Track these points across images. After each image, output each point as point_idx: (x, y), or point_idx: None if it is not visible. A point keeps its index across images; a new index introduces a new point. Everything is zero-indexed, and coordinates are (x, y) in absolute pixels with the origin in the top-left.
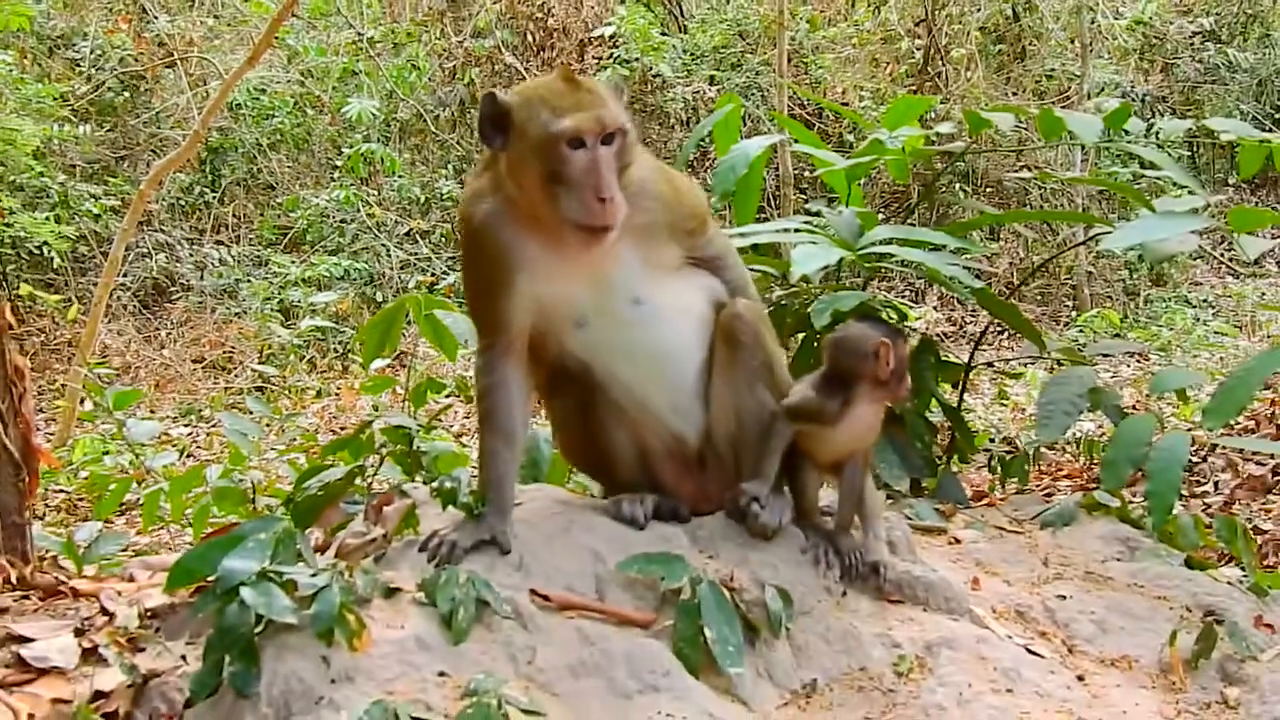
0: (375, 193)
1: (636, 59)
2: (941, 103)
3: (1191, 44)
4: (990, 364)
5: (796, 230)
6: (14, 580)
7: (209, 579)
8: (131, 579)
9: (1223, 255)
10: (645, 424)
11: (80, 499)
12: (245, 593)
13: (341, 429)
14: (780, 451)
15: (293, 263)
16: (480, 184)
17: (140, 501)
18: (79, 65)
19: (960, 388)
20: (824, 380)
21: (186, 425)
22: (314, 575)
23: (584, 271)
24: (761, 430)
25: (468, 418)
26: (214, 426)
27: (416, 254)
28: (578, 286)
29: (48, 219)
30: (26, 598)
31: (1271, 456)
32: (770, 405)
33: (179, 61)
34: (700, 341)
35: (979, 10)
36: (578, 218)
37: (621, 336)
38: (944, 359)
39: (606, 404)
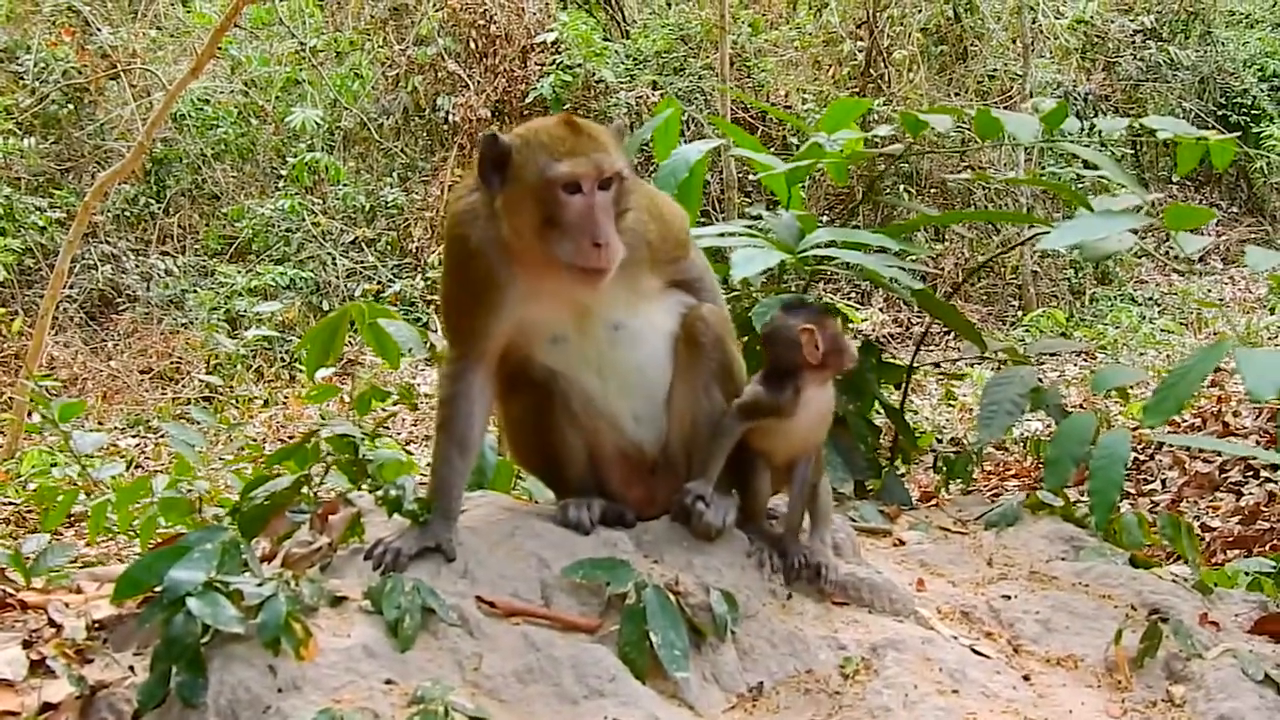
0: (320, 201)
1: (579, 65)
2: (885, 104)
3: (1133, 42)
4: (936, 364)
5: (737, 234)
6: None
7: (156, 589)
8: (79, 590)
9: (1167, 253)
10: (601, 430)
11: (28, 511)
12: (191, 603)
13: (289, 438)
14: (726, 451)
15: (239, 272)
16: (471, 204)
17: (88, 513)
18: (22, 78)
19: (904, 388)
20: (769, 375)
21: (134, 436)
22: (260, 585)
23: (569, 300)
24: (710, 433)
25: (415, 425)
26: (161, 437)
27: (362, 262)
28: (560, 312)
29: None
30: None
31: (1218, 454)
32: (723, 407)
33: (122, 73)
34: (670, 358)
35: (920, 11)
36: (571, 259)
37: (596, 354)
38: (887, 361)
39: (563, 408)
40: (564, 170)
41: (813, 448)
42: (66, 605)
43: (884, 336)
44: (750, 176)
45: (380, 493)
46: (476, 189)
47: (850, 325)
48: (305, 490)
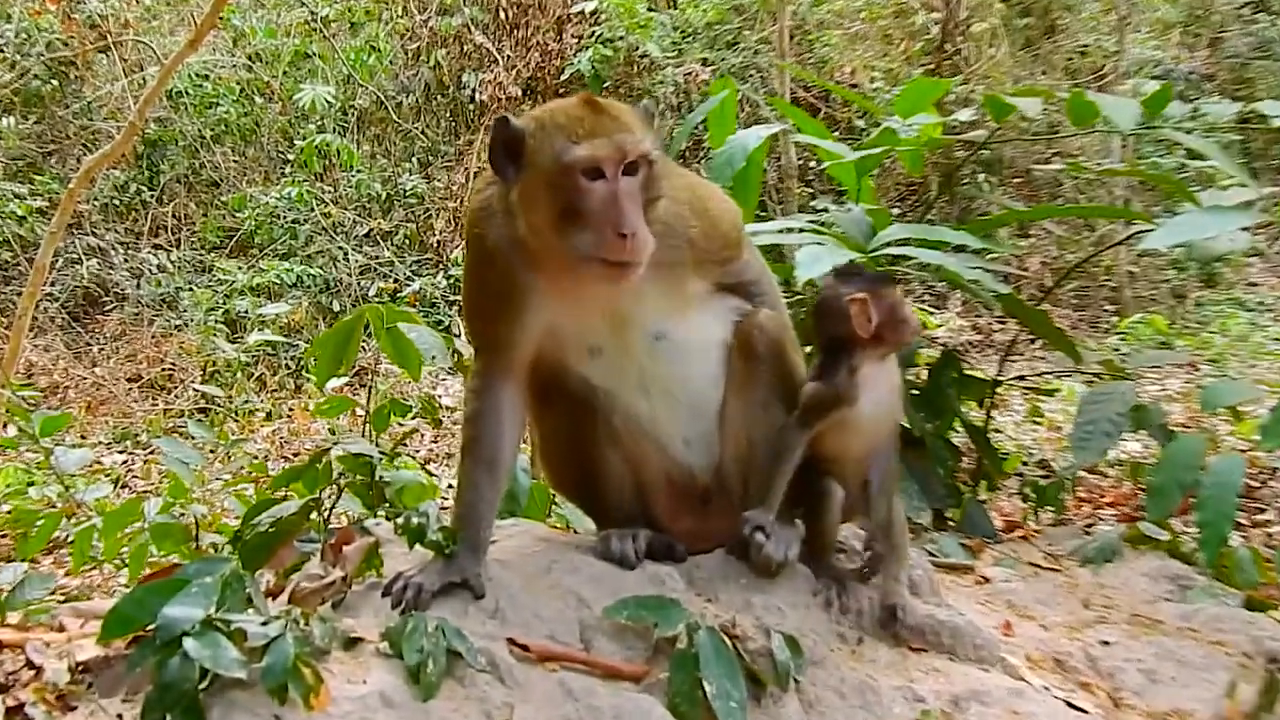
0: (331, 190)
1: (621, 38)
2: (962, 84)
3: (1240, 15)
4: (1021, 378)
5: (800, 230)
6: None
7: (148, 628)
8: (61, 628)
9: None
10: (647, 455)
11: (1, 536)
12: (188, 644)
13: (294, 456)
14: (789, 471)
15: (239, 269)
16: (489, 199)
17: (70, 539)
18: (2, 51)
19: (987, 405)
20: (824, 359)
21: (121, 452)
22: (265, 624)
23: (601, 305)
24: (769, 453)
25: (435, 442)
26: (152, 453)
27: (378, 258)
28: (594, 319)
29: None
30: None
31: None
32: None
33: (112, 46)
34: (723, 372)
35: None
36: (594, 253)
37: (637, 369)
38: (968, 373)
39: (605, 430)
40: (583, 153)
41: (883, 444)
42: (46, 645)
43: (963, 345)
44: (812, 165)
45: (400, 520)
46: (493, 182)
47: (926, 333)
48: (315, 516)
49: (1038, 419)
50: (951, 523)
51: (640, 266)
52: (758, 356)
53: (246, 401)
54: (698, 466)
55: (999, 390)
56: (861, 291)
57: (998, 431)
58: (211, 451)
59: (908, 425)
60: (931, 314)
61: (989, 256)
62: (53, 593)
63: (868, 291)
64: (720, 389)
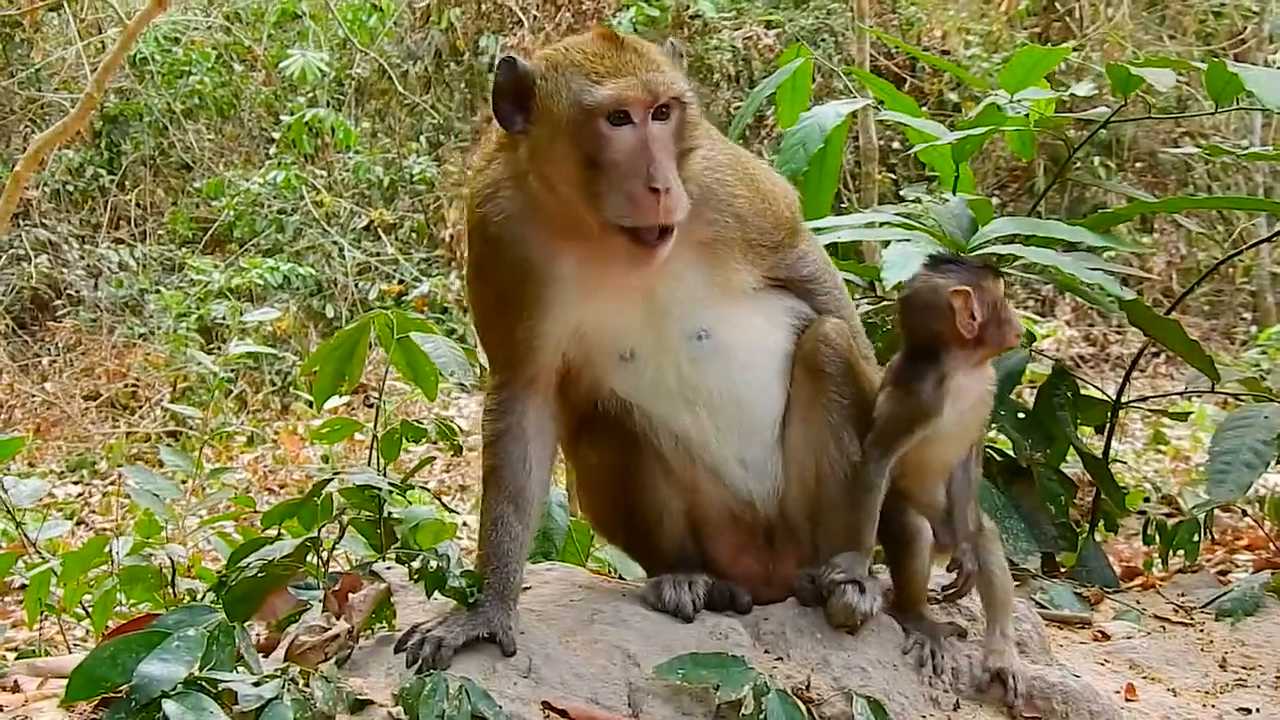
0: (324, 174)
1: None
2: (1075, 51)
3: None
4: (1144, 399)
5: (887, 224)
6: None
7: (121, 688)
8: (16, 688)
9: None
10: (702, 485)
11: None
12: (169, 707)
13: (281, 488)
14: (876, 509)
15: (216, 267)
16: (494, 173)
17: (22, 585)
18: None
19: (1106, 432)
20: (906, 364)
21: (76, 483)
22: (258, 684)
23: (633, 293)
24: (848, 490)
25: (448, 471)
26: (113, 484)
27: (379, 255)
28: (625, 312)
29: None
30: None
31: None
32: (858, 456)
33: (66, 3)
34: (781, 385)
35: None
36: (623, 217)
37: (678, 377)
38: (1083, 394)
39: (652, 457)
40: (606, 94)
41: (964, 455)
42: (0, 708)
43: (1073, 359)
44: (897, 146)
45: (415, 564)
46: (498, 153)
47: (1033, 346)
48: (313, 558)
49: (1164, 447)
50: (1064, 569)
51: (674, 232)
52: (825, 375)
53: (225, 424)
54: (759, 495)
55: (1119, 413)
56: (964, 283)
57: (1118, 462)
58: (184, 482)
59: (1013, 454)
60: (1038, 322)
61: (1108, 256)
62: (2, 646)
63: (971, 284)
64: (778, 403)
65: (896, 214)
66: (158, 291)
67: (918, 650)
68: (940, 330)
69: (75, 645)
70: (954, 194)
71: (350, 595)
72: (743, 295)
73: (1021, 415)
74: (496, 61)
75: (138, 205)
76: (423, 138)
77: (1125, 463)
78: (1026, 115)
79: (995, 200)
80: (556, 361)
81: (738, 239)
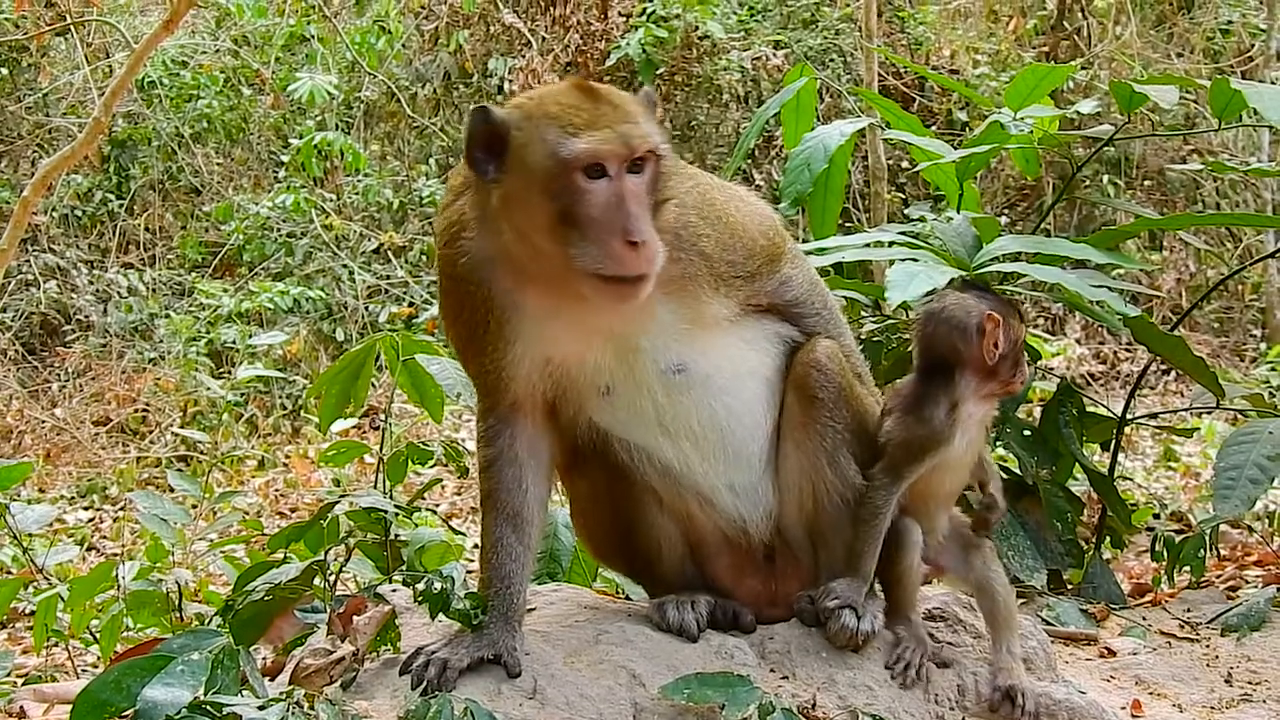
0: (334, 197)
1: (677, 16)
2: (1083, 68)
3: None
4: (1152, 416)
5: (892, 244)
6: None
7: (125, 713)
8: (22, 714)
9: None
10: (694, 511)
11: None
12: None
13: (292, 512)
14: (880, 534)
15: (225, 291)
16: (460, 210)
17: (30, 611)
18: None
19: (1113, 448)
20: (918, 387)
21: (87, 508)
22: (263, 707)
23: (602, 331)
24: (847, 511)
25: (458, 494)
26: (123, 510)
27: (389, 278)
28: (596, 350)
29: None
30: None
31: None
32: (857, 479)
33: (73, 27)
34: (767, 409)
35: None
36: (599, 268)
37: (655, 410)
38: (1090, 410)
39: (642, 487)
40: (582, 147)
41: (968, 479)
42: None
43: (1083, 377)
44: (904, 166)
45: (420, 586)
46: (466, 188)
47: (1039, 364)
48: (319, 582)
49: (1172, 464)
50: (1070, 585)
51: (650, 281)
52: (818, 401)
53: (235, 448)
54: (751, 519)
55: (1126, 430)
56: (997, 311)
57: (1125, 479)
58: (194, 507)
59: (1019, 472)
60: (1047, 341)
61: (1115, 273)
62: (10, 673)
63: (1003, 314)
64: (765, 428)
65: (901, 233)
66: (167, 316)
67: (904, 655)
68: (962, 351)
69: (84, 671)
70: (959, 212)
71: (355, 618)
72: (718, 325)
73: (1027, 432)
74: (469, 111)
75: (146, 230)
76: (432, 160)
77: (1132, 479)
78: (1030, 133)
79: (1004, 219)
80: (535, 391)
81: (706, 274)
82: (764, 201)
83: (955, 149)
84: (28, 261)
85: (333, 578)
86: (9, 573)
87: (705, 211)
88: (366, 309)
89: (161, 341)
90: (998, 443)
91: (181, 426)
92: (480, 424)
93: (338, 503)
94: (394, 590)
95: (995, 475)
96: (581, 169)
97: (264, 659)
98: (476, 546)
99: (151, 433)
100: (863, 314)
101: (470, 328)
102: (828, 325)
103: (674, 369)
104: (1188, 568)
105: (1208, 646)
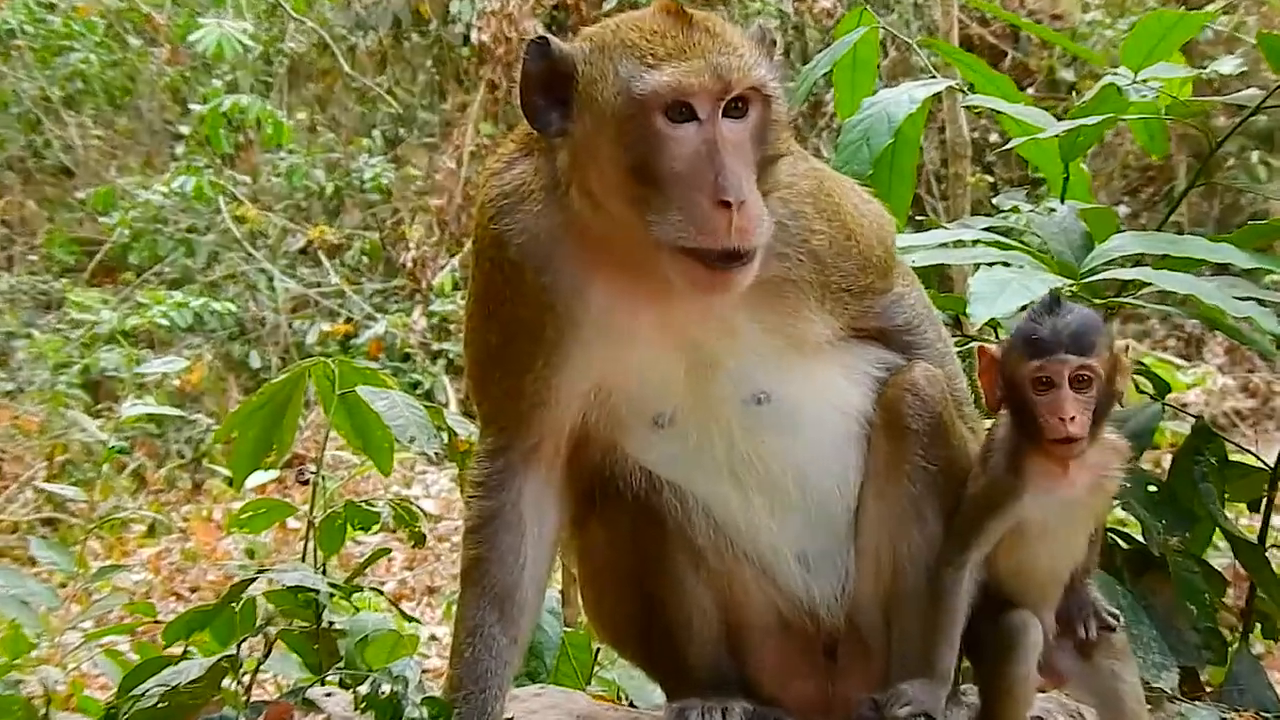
0: (248, 180)
1: None
2: (1224, 14)
3: None
4: None
5: (977, 242)
6: None
7: None
8: None
9: None
10: (746, 583)
11: None
12: None
13: (193, 592)
14: (956, 620)
15: (106, 303)
16: (517, 179)
17: None
18: None
19: (1265, 509)
20: (1000, 429)
21: None
22: None
23: (678, 340)
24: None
25: (410, 569)
26: None
27: (320, 285)
28: (663, 365)
29: None
30: None
31: None
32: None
33: None
34: (860, 455)
35: None
36: (681, 238)
37: (728, 449)
38: (1234, 459)
39: (681, 544)
40: (663, 81)
41: (1078, 558)
42: None
43: (1226, 415)
44: (993, 140)
45: (363, 688)
46: (523, 155)
47: (1171, 397)
48: (230, 683)
49: None
50: (1210, 688)
51: (755, 261)
52: (909, 433)
53: (117, 508)
54: (823, 599)
55: None
56: (1011, 341)
57: None
58: (64, 585)
59: (1142, 539)
60: (1180, 368)
61: (1267, 281)
62: None
63: (1011, 344)
64: (853, 481)
65: (988, 228)
66: (29, 335)
67: None
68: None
69: None
70: (1063, 202)
71: None
72: (815, 349)
73: (1153, 488)
74: (524, 44)
75: (3, 222)
76: (376, 132)
77: None
78: (1155, 99)
79: (1123, 209)
80: (570, 424)
81: (813, 282)
82: (881, 204)
83: (1059, 120)
84: None
85: (248, 678)
86: None
87: (821, 203)
88: (290, 326)
89: (20, 369)
90: (1115, 500)
91: (47, 480)
92: (480, 468)
93: (254, 580)
94: (329, 695)
95: (1092, 559)
96: (662, 109)
97: None
98: (433, 638)
99: (8, 488)
100: None
101: (510, 333)
102: (938, 356)
103: (756, 397)
104: None
105: None
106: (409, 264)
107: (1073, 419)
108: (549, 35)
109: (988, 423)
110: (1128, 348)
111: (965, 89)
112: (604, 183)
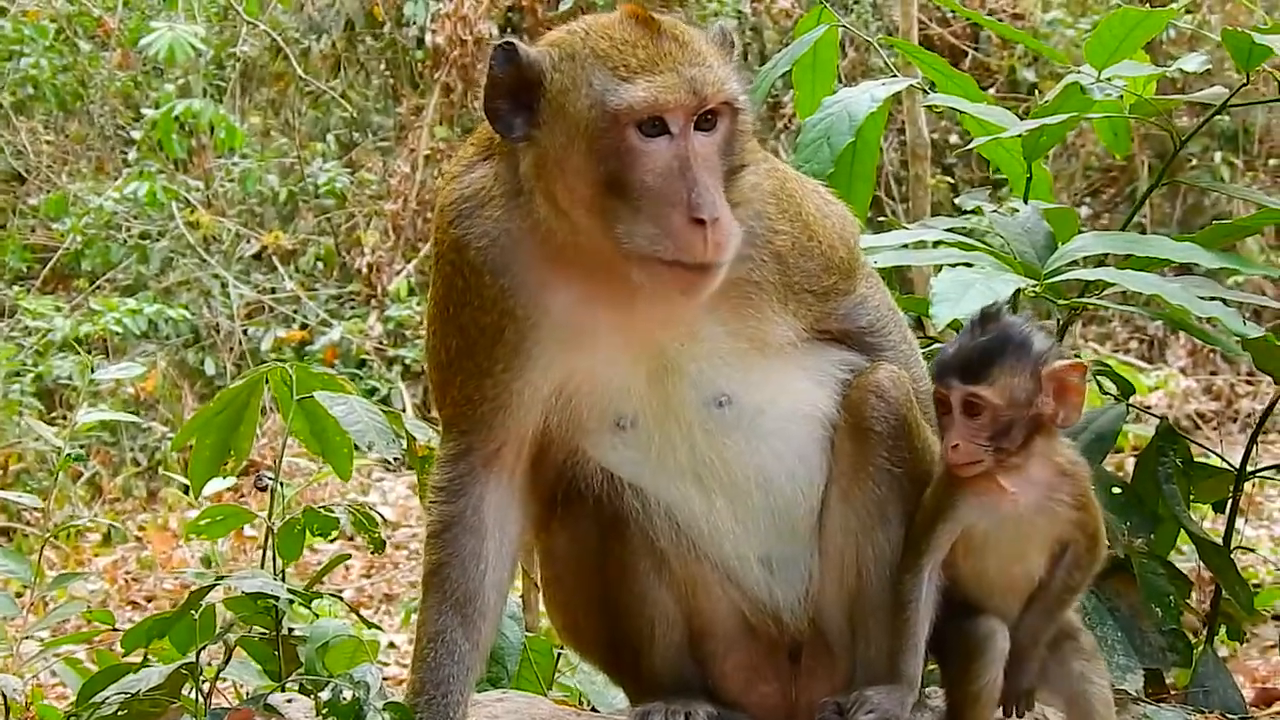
0: (201, 186)
1: None
2: (1187, 12)
3: None
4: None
5: (939, 243)
6: None
7: None
8: None
9: None
10: (709, 587)
11: None
12: None
13: (149, 601)
14: (919, 624)
15: (59, 310)
16: (478, 182)
17: None
18: None
19: (1230, 510)
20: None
21: None
22: None
23: (640, 343)
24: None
25: (368, 576)
26: None
27: (274, 291)
28: (625, 368)
29: None
30: None
31: None
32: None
33: None
34: (823, 458)
35: None
36: (656, 251)
37: (689, 452)
38: (1199, 460)
39: (644, 548)
40: (638, 95)
41: (1039, 566)
42: None
43: (1190, 417)
44: (954, 141)
45: (324, 694)
46: (484, 156)
47: (1134, 400)
48: (190, 691)
49: None
50: (1175, 690)
51: (722, 270)
52: (873, 435)
53: (73, 516)
54: (786, 603)
55: (1247, 486)
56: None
57: (1246, 550)
58: (20, 594)
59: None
60: (1143, 371)
61: (1231, 281)
62: None
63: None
64: (818, 484)
65: (950, 229)
66: None
67: None
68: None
69: None
70: (1026, 202)
71: None
72: (778, 351)
73: (1117, 490)
74: (491, 48)
75: None
76: (330, 136)
77: (1256, 551)
78: (1119, 98)
79: (1085, 210)
80: (532, 427)
81: (776, 283)
82: (843, 203)
83: (1021, 119)
84: None
85: (207, 685)
86: None
87: (784, 204)
88: (245, 333)
89: None
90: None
91: (1, 488)
92: (441, 473)
93: (213, 588)
94: (289, 700)
95: (1074, 580)
96: (636, 123)
97: None
98: (392, 645)
99: None
100: None
101: (471, 337)
102: (903, 358)
103: (718, 400)
104: None
105: None
106: (364, 269)
107: (955, 446)
108: (515, 40)
109: None
110: (1085, 371)
111: (927, 88)
112: (570, 192)
